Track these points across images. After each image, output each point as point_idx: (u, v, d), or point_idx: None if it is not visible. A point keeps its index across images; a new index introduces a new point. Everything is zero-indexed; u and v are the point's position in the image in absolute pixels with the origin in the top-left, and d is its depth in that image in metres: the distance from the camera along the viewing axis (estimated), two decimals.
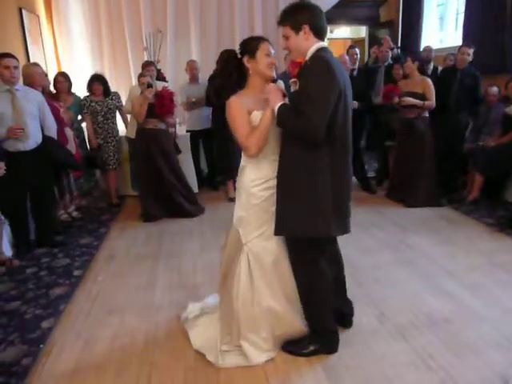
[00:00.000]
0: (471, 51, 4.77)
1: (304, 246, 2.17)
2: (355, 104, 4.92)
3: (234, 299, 2.29)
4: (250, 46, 2.17)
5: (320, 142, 1.96)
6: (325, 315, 2.29)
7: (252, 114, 2.15)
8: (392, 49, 5.71)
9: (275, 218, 2.15)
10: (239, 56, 2.21)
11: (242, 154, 2.27)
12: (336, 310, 2.38)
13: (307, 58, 2.03)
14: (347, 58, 5.04)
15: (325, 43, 2.07)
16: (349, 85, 2.07)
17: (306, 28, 2.00)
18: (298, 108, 1.94)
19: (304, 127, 1.93)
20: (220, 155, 5.27)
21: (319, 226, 2.07)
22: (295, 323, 2.32)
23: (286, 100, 2.09)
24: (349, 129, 2.11)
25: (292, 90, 2.12)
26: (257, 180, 2.21)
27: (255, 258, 2.26)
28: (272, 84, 2.13)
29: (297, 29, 2.02)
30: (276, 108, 2.02)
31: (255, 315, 2.28)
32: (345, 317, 2.53)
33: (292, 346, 2.34)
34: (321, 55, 1.97)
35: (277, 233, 2.16)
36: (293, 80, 2.11)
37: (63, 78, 4.84)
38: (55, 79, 4.83)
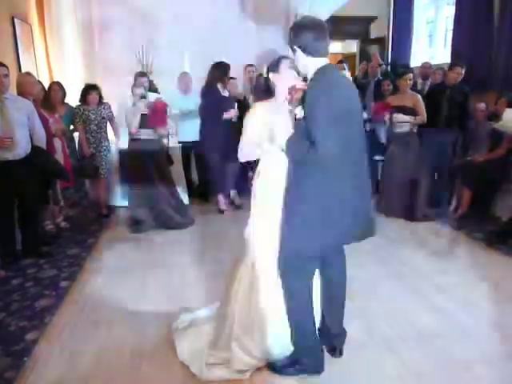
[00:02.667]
0: (463, 71, 4.87)
1: (287, 258, 2.16)
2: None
3: (233, 298, 2.33)
4: (276, 61, 2.31)
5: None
6: (307, 334, 2.24)
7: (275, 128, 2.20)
8: (380, 65, 5.81)
9: None
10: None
11: None
12: (326, 332, 2.38)
13: (308, 80, 2.06)
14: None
15: (324, 60, 2.03)
16: (355, 98, 2.10)
17: (298, 50, 2.04)
18: (310, 136, 1.93)
19: (316, 157, 1.93)
20: (208, 169, 5.25)
21: (297, 244, 2.08)
22: (286, 339, 2.28)
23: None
24: (352, 145, 2.03)
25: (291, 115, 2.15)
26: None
27: (255, 263, 2.32)
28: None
29: (294, 51, 2.08)
30: (284, 144, 2.06)
31: (251, 317, 2.30)
32: (332, 345, 2.42)
33: (277, 365, 2.31)
34: (318, 78, 1.98)
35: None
36: (291, 106, 2.16)
37: (58, 87, 4.82)
38: (50, 88, 4.81)
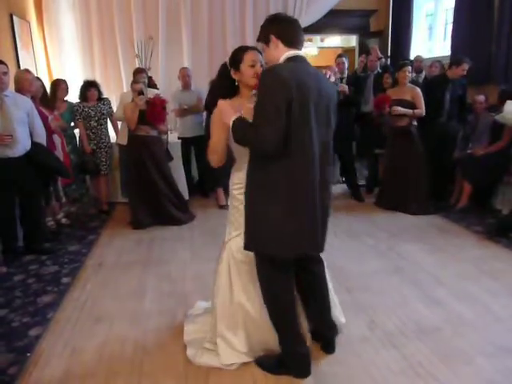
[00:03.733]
0: (468, 67, 4.84)
1: (260, 261, 2.15)
2: (344, 87, 4.96)
3: (215, 295, 2.38)
4: (235, 57, 2.21)
5: (272, 155, 1.90)
6: (288, 336, 2.22)
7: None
8: (380, 58, 5.79)
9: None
10: (229, 68, 2.25)
11: None
12: (313, 331, 2.38)
13: None
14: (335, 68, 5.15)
15: (297, 52, 2.03)
16: (320, 92, 1.98)
17: (273, 38, 2.03)
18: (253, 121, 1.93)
19: (254, 140, 1.91)
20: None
21: (268, 244, 2.03)
22: (271, 334, 2.27)
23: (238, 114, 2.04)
24: (315, 141, 1.97)
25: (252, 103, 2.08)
26: (237, 183, 2.24)
27: (233, 257, 2.31)
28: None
29: (267, 41, 2.06)
30: (230, 123, 2.00)
31: (232, 313, 2.32)
32: (324, 339, 2.41)
33: (265, 362, 2.31)
34: (273, 66, 1.97)
35: (244, 246, 2.13)
36: (253, 93, 2.16)
37: (65, 85, 4.85)
38: (57, 85, 4.80)
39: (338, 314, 2.52)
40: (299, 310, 2.35)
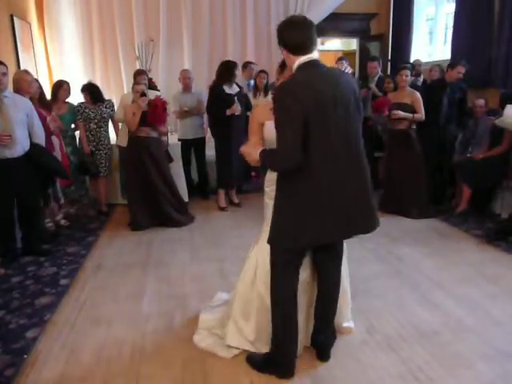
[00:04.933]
0: (464, 70, 4.85)
1: (275, 255, 2.19)
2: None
3: (240, 278, 2.48)
4: None
5: (295, 168, 1.95)
6: (281, 336, 2.23)
7: (265, 124, 2.28)
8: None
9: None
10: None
11: None
12: (312, 334, 2.39)
13: None
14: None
15: (309, 56, 2.00)
16: (339, 93, 1.97)
17: (282, 48, 2.06)
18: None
19: (281, 165, 2.01)
20: (219, 165, 5.31)
21: (287, 236, 2.07)
22: None
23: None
24: (336, 144, 1.97)
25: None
26: (270, 180, 2.32)
27: (262, 249, 2.35)
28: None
29: (281, 50, 2.09)
30: (257, 157, 2.08)
31: (250, 300, 2.39)
32: (320, 345, 2.39)
33: (253, 358, 2.35)
34: (285, 83, 1.99)
35: (267, 240, 2.17)
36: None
37: (67, 87, 4.85)
38: (59, 86, 4.80)
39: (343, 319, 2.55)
40: (303, 316, 2.36)
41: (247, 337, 2.40)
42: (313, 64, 2.01)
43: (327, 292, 2.34)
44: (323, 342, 2.38)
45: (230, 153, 5.03)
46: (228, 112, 4.93)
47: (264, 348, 2.37)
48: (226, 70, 5.01)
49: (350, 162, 2.03)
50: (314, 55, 2.02)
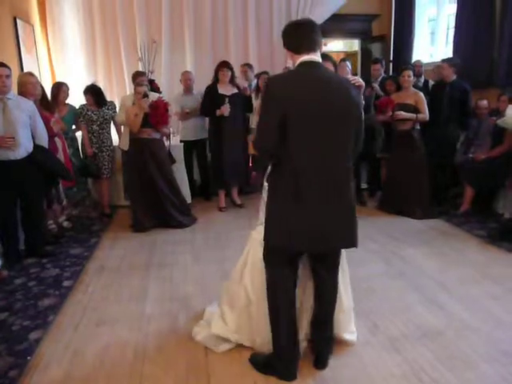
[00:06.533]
0: (452, 66, 4.88)
1: (267, 253, 2.22)
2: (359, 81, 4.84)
3: (232, 272, 2.56)
4: None
5: (269, 160, 2.11)
6: (280, 337, 2.22)
7: None
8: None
9: None
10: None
11: None
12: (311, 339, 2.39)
13: None
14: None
15: (309, 57, 2.03)
16: (329, 99, 1.96)
17: (286, 48, 2.13)
18: None
19: (255, 143, 2.11)
20: (212, 166, 5.36)
21: (276, 236, 2.10)
22: (259, 334, 2.34)
23: None
24: (317, 146, 1.97)
25: None
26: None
27: (252, 245, 2.43)
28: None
29: (287, 51, 2.15)
30: None
31: (237, 292, 2.47)
32: (316, 352, 2.36)
33: (255, 359, 2.36)
34: (270, 80, 2.14)
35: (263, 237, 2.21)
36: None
37: (66, 89, 4.86)
38: (59, 88, 4.81)
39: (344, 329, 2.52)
40: (304, 316, 2.36)
41: (230, 326, 2.47)
42: (310, 64, 2.03)
43: (322, 305, 2.31)
44: (319, 351, 2.35)
45: (221, 153, 5.06)
46: (217, 112, 4.95)
47: (245, 341, 2.43)
48: (215, 71, 5.09)
49: (329, 170, 2.02)
50: (316, 57, 2.05)
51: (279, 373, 2.24)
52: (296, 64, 2.07)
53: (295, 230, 2.03)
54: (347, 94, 2.02)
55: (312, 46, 2.04)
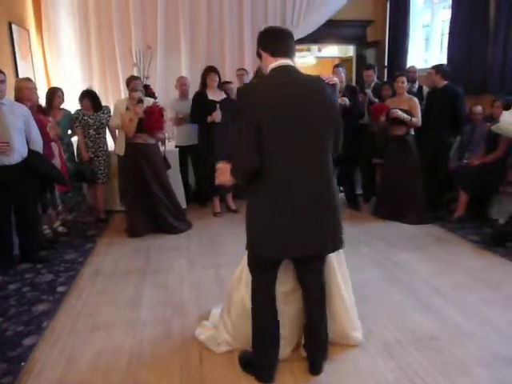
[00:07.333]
0: (433, 72, 4.98)
1: (249, 261, 2.26)
2: (345, 100, 4.84)
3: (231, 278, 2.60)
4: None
5: (251, 173, 1.99)
6: (259, 340, 2.25)
7: None
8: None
9: None
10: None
11: None
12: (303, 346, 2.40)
13: None
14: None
15: (283, 61, 2.04)
16: (304, 104, 1.96)
17: (261, 50, 2.12)
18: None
19: (237, 164, 2.06)
20: (206, 172, 5.32)
21: (256, 245, 2.12)
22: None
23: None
24: (291, 154, 1.96)
25: None
26: None
27: None
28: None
29: (259, 55, 2.15)
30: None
31: (233, 300, 2.50)
32: (310, 360, 2.35)
33: (240, 357, 2.41)
34: (242, 88, 2.12)
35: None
36: None
37: (61, 94, 4.86)
38: (54, 93, 4.80)
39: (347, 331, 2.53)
40: (290, 326, 2.37)
41: (228, 327, 2.51)
42: (284, 69, 2.04)
43: (311, 310, 2.29)
44: (312, 357, 2.34)
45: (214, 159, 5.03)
46: (209, 119, 4.94)
47: (240, 347, 2.47)
48: (202, 76, 5.11)
49: (306, 175, 2.01)
50: (290, 61, 2.08)
51: (256, 374, 2.26)
52: (269, 69, 2.07)
53: (275, 238, 2.03)
54: (323, 94, 2.02)
55: (287, 51, 2.07)
